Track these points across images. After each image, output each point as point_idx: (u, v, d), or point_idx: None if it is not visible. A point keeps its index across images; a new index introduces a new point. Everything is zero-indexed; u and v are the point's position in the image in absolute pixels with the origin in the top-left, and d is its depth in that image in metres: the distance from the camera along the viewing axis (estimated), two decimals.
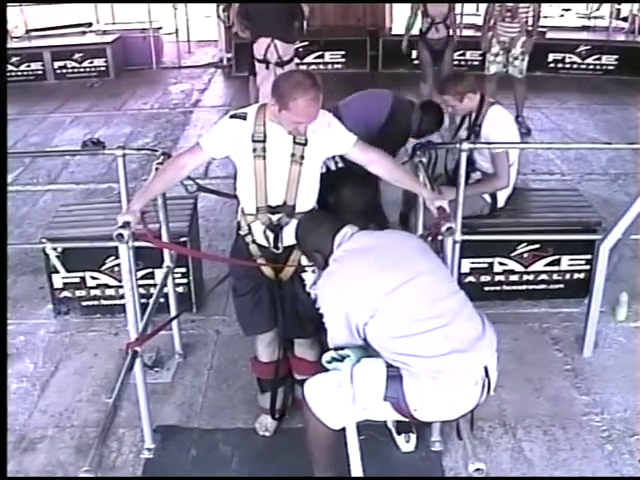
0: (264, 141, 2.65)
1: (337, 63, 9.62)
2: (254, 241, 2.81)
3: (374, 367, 2.44)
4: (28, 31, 10.27)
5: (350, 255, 2.48)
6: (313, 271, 2.84)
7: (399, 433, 3.03)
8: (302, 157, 2.67)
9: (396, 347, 2.38)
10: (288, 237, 2.76)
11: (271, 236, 2.76)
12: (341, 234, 2.54)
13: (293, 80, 2.56)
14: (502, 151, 3.83)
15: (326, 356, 2.52)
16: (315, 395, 2.53)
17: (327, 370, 2.52)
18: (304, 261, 2.81)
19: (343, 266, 2.47)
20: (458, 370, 2.38)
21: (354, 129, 2.84)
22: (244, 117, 2.68)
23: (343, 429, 2.54)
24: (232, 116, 2.71)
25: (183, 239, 3.81)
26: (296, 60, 6.64)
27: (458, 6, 8.30)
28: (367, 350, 2.50)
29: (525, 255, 4.04)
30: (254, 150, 2.66)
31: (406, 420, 2.58)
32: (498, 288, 4.13)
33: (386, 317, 2.37)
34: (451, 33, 6.95)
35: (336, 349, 2.49)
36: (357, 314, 2.39)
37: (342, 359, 2.47)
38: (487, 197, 3.99)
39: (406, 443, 3.03)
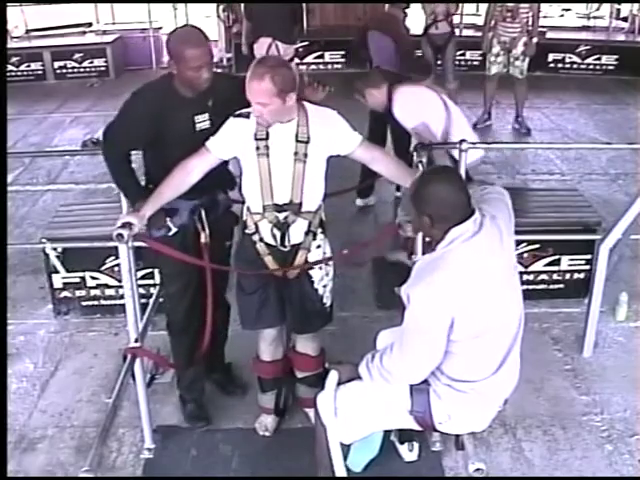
0: (267, 139, 2.65)
1: (337, 63, 9.59)
2: (261, 239, 2.80)
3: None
4: (28, 31, 10.24)
5: (465, 265, 2.22)
6: (320, 268, 2.85)
7: (402, 442, 2.97)
8: (305, 155, 2.66)
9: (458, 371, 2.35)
10: (295, 235, 2.77)
11: (278, 234, 2.76)
12: (462, 227, 2.21)
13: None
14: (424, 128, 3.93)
15: None
16: (328, 410, 2.49)
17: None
18: (311, 258, 2.82)
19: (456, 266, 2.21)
20: (500, 392, 2.43)
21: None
22: (247, 116, 2.68)
23: None
24: (236, 115, 2.71)
25: None
26: (296, 60, 6.64)
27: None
28: None
29: (525, 255, 4.03)
30: (257, 148, 2.66)
31: (415, 430, 2.58)
32: None
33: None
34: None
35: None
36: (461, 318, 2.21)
37: None
38: None
39: (409, 452, 2.98)
